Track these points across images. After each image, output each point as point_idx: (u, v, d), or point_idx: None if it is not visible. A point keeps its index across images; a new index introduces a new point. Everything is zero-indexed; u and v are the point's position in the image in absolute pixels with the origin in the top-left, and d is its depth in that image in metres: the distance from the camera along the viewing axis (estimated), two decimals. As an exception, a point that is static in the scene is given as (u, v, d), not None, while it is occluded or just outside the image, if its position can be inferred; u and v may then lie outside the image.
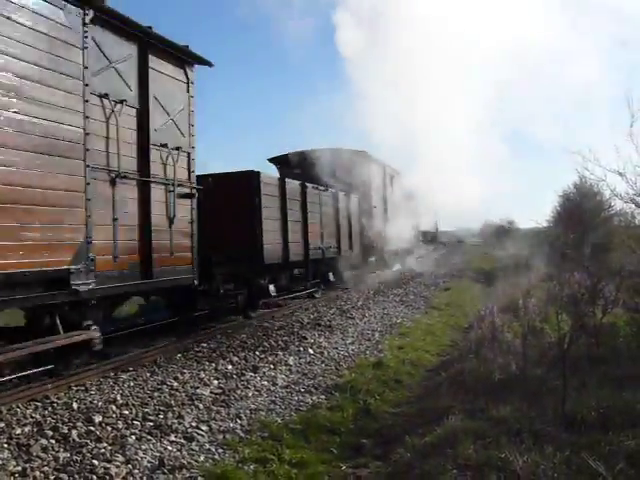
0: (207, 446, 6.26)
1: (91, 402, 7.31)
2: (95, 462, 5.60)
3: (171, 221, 10.18)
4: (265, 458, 5.94)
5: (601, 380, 7.31)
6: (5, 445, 5.88)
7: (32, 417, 6.72)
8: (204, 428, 6.70)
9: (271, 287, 14.75)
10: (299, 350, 10.64)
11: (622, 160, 9.59)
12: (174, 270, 10.24)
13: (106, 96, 8.75)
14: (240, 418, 7.12)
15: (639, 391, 6.71)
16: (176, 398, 7.64)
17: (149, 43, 9.76)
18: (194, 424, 6.79)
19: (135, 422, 6.72)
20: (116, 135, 8.92)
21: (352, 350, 10.95)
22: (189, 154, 10.85)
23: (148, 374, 8.77)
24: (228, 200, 13.42)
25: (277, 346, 10.90)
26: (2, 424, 6.41)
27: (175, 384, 8.24)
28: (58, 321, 7.99)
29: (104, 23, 8.69)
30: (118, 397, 7.54)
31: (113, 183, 8.86)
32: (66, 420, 6.65)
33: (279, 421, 7.10)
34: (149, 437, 6.33)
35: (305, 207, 17.17)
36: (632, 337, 9.20)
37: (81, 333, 8.25)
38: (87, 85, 8.24)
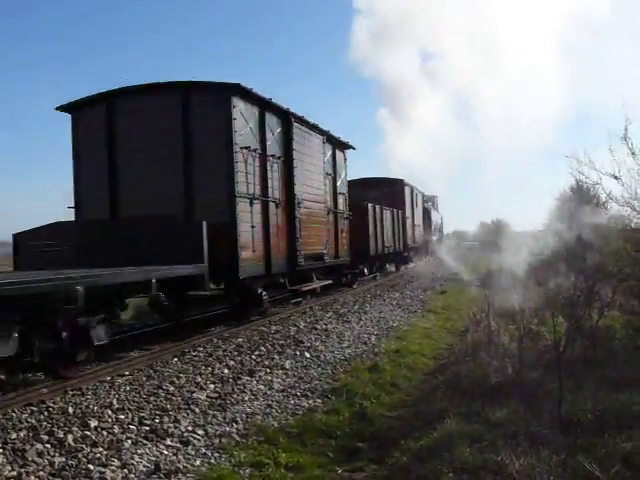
0: (203, 450, 6.25)
1: (87, 406, 7.29)
2: (91, 467, 5.59)
3: (342, 231, 20.52)
4: (261, 462, 5.93)
5: (597, 382, 7.32)
6: (0, 450, 5.86)
7: (28, 422, 6.70)
8: (200, 432, 6.69)
9: (365, 270, 26.27)
10: (295, 354, 10.63)
11: (617, 163, 9.58)
12: (343, 255, 20.55)
13: (328, 174, 19.11)
14: (236, 422, 7.10)
15: (635, 393, 6.72)
16: (172, 402, 7.63)
17: (336, 144, 20.33)
18: (190, 428, 6.78)
19: (131, 426, 6.71)
20: (330, 190, 19.39)
21: (348, 354, 10.94)
22: (346, 195, 21.53)
23: (144, 378, 8.76)
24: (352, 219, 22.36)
25: (273, 350, 10.88)
26: (-3, 429, 6.40)
27: (171, 388, 8.23)
28: (314, 276, 17.87)
29: (327, 141, 19.03)
30: (114, 401, 7.53)
31: (328, 214, 18.92)
32: (62, 425, 6.63)
33: (275, 425, 7.10)
34: (145, 441, 6.32)
35: (382, 221, 27.94)
36: (628, 339, 9.21)
37: (327, 281, 19.04)
38: (325, 170, 18.74)
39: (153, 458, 5.92)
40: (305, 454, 6.24)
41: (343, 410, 7.57)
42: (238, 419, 7.20)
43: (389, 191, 32.32)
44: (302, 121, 16.55)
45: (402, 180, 35.03)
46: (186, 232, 11.72)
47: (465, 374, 8.43)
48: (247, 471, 5.77)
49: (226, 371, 9.28)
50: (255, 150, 13.54)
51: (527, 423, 6.17)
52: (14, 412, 6.98)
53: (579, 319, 8.42)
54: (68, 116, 13.84)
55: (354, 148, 21.85)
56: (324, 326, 13.55)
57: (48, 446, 6.04)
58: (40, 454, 5.84)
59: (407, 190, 35.59)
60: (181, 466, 5.78)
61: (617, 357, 8.51)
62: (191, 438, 6.48)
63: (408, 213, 35.25)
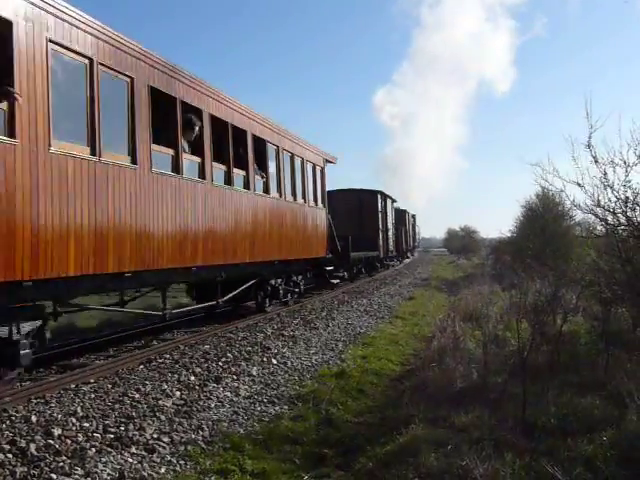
0: (168, 458, 6.19)
1: (51, 415, 7.19)
2: (54, 476, 5.51)
3: (394, 241, 43.15)
4: (227, 469, 5.90)
5: (561, 387, 7.43)
6: (-40, 460, 5.76)
7: (-11, 431, 6.59)
8: (165, 440, 6.63)
9: (395, 259, 47.57)
10: (262, 361, 10.60)
11: (580, 171, 9.72)
12: (394, 251, 43.95)
13: (392, 214, 42.71)
14: (202, 429, 7.06)
15: (597, 397, 6.84)
16: (138, 410, 7.55)
17: (392, 200, 42.33)
18: (155, 436, 6.71)
19: (95, 434, 6.62)
20: (392, 221, 41.78)
21: (315, 360, 10.95)
22: (394, 222, 43.91)
23: (109, 386, 8.66)
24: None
25: (240, 356, 10.83)
26: (-43, 438, 6.29)
27: (137, 396, 8.15)
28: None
29: (391, 200, 42.72)
30: (78, 409, 7.43)
31: (393, 233, 42.77)
32: (24, 434, 6.52)
33: (241, 432, 7.07)
34: (109, 449, 6.24)
35: (402, 234, 49.45)
36: (591, 345, 9.36)
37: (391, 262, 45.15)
38: (391, 213, 41.82)
39: (118, 466, 5.85)
40: (271, 460, 6.22)
41: (309, 416, 7.56)
42: (204, 426, 7.16)
43: (397, 215, 48.56)
44: (388, 196, 38.74)
45: (406, 210, 58.22)
46: (375, 241, 33.31)
47: (431, 380, 8.49)
48: (212, 478, 5.74)
49: (192, 378, 9.21)
50: (381, 211, 35.18)
51: (492, 428, 6.24)
52: (-25, 421, 6.86)
53: (543, 325, 8.53)
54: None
55: (396, 201, 44.14)
56: (291, 332, 13.53)
57: (10, 456, 5.92)
58: (1, 464, 5.74)
59: (407, 215, 58.03)
60: (146, 474, 5.72)
61: (580, 362, 8.65)
62: (156, 446, 6.42)
63: (407, 229, 56.65)
